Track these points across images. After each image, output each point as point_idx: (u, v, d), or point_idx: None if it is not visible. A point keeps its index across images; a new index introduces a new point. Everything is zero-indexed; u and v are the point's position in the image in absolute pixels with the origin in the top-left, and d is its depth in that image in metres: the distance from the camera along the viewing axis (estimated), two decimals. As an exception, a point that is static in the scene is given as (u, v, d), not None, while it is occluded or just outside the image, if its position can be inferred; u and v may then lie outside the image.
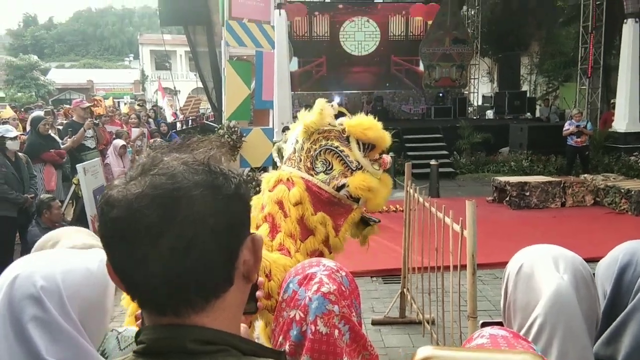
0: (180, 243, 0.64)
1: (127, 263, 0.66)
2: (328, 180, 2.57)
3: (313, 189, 2.55)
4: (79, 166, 5.87)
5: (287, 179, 2.56)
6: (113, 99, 19.28)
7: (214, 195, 0.67)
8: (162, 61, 39.96)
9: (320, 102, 2.65)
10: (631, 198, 7.97)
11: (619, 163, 11.28)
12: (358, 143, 2.60)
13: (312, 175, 2.59)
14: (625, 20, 11.96)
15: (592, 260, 5.67)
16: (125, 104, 22.15)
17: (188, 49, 18.01)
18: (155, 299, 0.67)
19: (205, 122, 18.85)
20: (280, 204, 2.49)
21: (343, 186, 2.53)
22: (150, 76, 38.49)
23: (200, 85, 16.39)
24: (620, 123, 12.15)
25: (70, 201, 6.41)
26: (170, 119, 16.91)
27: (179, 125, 16.87)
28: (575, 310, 0.99)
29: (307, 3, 18.36)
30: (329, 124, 2.63)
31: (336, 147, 2.55)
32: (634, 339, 1.02)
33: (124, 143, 7.48)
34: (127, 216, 0.64)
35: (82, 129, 6.95)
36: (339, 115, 2.76)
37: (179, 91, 26.53)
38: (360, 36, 18.76)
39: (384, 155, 2.72)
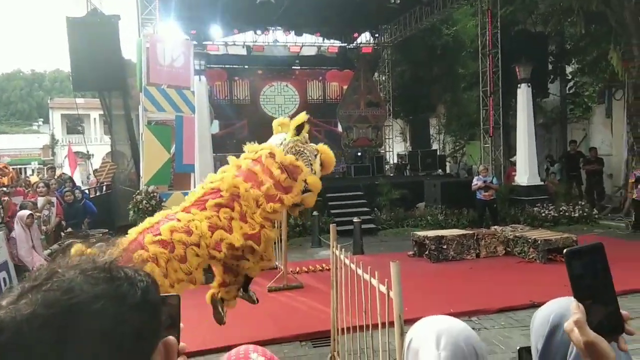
0: None
1: None
2: None
3: (290, 167, 4.30)
4: (-22, 240, 5.38)
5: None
6: (11, 167, 17.66)
7: (119, 307, 0.61)
8: (74, 125, 38.38)
9: (302, 116, 4.55)
10: (538, 247, 8.56)
11: (524, 214, 12.18)
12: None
13: None
14: (519, 85, 13.31)
15: (509, 309, 5.86)
16: (32, 170, 20.76)
17: (102, 112, 17.49)
18: None
19: (122, 187, 18.05)
20: (273, 156, 4.30)
21: (304, 181, 4.23)
22: (61, 140, 36.72)
23: (116, 149, 15.82)
24: (522, 177, 13.22)
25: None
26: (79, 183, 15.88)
27: (91, 191, 15.96)
28: None
29: (227, 69, 18.72)
30: (307, 142, 4.59)
31: (308, 155, 4.45)
32: None
33: (30, 212, 6.99)
34: (17, 342, 0.56)
35: None
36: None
37: (92, 155, 25.42)
38: (280, 100, 19.32)
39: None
